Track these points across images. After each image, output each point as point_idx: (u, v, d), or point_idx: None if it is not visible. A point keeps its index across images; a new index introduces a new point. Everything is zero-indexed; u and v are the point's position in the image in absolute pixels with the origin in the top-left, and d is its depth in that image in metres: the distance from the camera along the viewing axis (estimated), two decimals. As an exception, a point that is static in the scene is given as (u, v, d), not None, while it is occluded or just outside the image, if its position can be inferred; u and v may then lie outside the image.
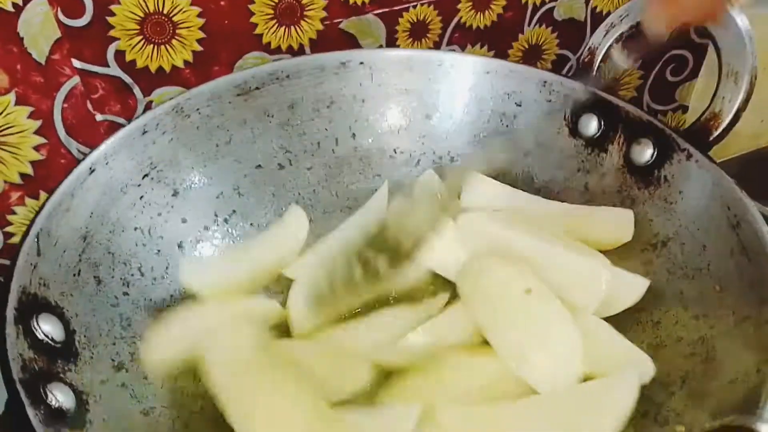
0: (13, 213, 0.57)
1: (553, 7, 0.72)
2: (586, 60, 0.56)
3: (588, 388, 0.40)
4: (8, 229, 0.58)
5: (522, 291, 0.44)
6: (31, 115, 0.54)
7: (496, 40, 0.72)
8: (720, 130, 0.48)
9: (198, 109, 0.53)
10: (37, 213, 0.42)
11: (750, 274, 0.41)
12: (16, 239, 0.58)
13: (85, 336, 0.41)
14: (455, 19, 0.69)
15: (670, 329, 0.45)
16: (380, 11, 0.64)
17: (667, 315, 0.45)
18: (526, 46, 0.75)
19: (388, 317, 0.48)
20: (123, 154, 0.49)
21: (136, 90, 0.59)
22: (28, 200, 0.57)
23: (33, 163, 0.56)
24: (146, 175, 0.50)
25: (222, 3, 0.57)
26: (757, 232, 0.41)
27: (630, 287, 0.46)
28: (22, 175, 0.56)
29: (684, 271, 0.46)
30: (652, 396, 0.41)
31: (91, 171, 0.46)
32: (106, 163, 0.47)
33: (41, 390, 0.34)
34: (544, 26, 0.74)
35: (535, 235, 0.48)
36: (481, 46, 0.71)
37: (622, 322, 0.46)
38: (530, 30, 0.73)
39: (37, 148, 0.56)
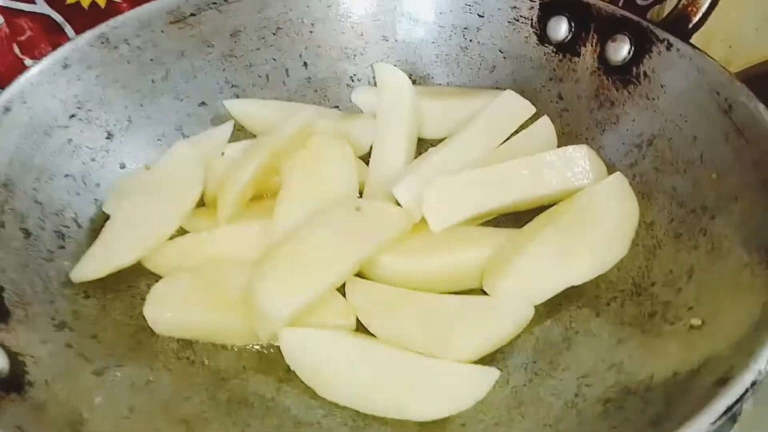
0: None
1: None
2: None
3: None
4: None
5: None
6: (-49, 63, 0.48)
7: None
8: (699, 15, 0.44)
9: (126, 40, 0.47)
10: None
11: (750, 155, 0.38)
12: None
13: (15, 293, 0.36)
14: None
15: (666, 227, 0.41)
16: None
17: (661, 214, 0.42)
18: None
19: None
20: (43, 92, 0.43)
21: (68, 29, 0.53)
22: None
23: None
24: (73, 116, 0.44)
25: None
26: (752, 112, 0.38)
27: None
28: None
29: (674, 167, 0.43)
30: (658, 296, 0.38)
31: (7, 110, 0.40)
32: (24, 102, 0.41)
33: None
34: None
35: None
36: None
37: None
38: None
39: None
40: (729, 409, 0.25)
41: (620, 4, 0.81)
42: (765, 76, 1.05)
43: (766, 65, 1.07)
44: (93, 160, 0.45)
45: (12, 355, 0.31)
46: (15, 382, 0.30)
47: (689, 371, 0.30)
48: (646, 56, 0.46)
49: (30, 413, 0.29)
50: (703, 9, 0.44)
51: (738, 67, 1.08)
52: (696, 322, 0.34)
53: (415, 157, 0.51)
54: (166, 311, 0.40)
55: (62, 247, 0.41)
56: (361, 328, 0.41)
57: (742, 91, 0.40)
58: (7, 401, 0.29)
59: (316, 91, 0.55)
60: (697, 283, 0.36)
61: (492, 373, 0.36)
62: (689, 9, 0.44)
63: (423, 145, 0.53)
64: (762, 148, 0.37)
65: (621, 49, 0.47)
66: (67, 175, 0.43)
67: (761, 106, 0.38)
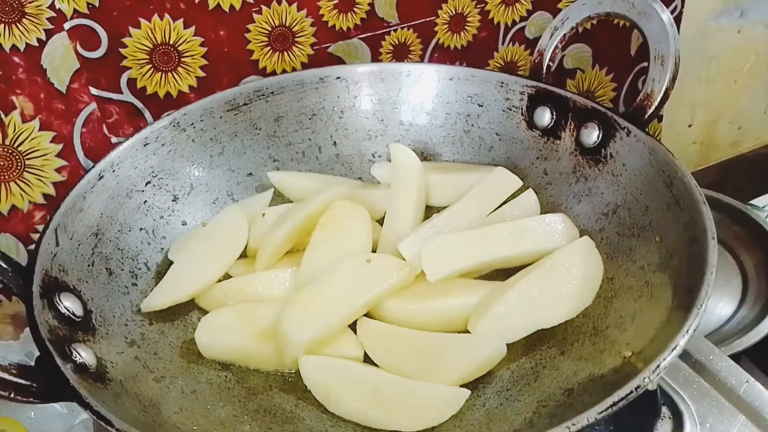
0: (36, 231, 0.63)
1: (524, 26, 0.80)
2: (536, 60, 0.63)
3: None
4: (32, 247, 0.64)
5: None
6: (53, 140, 0.61)
7: (473, 59, 0.79)
8: (653, 108, 0.54)
9: (192, 124, 0.60)
10: (55, 211, 0.48)
11: (683, 220, 0.46)
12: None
13: (100, 316, 0.47)
14: (434, 41, 0.77)
15: (622, 281, 0.50)
16: (365, 35, 0.72)
17: (620, 270, 0.51)
18: (502, 63, 0.82)
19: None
20: (127, 163, 0.55)
21: (147, 114, 0.66)
22: (50, 220, 0.63)
23: (55, 184, 0.63)
24: (148, 183, 0.56)
25: (221, 33, 0.65)
26: (686, 185, 0.47)
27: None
28: (45, 196, 0.63)
29: (632, 232, 0.52)
30: (608, 336, 0.46)
31: (100, 177, 0.52)
32: (113, 171, 0.54)
33: (66, 349, 0.39)
34: (517, 44, 0.81)
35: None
36: (460, 65, 0.79)
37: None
38: (504, 48, 0.81)
39: (58, 170, 0.63)
40: (616, 403, 0.33)
41: (624, 91, 0.92)
42: (773, 156, 1.12)
43: (774, 146, 1.15)
44: (161, 217, 0.57)
45: (98, 359, 0.42)
46: (100, 377, 0.41)
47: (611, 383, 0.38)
48: (612, 140, 0.55)
49: (111, 399, 0.39)
50: (656, 103, 0.54)
51: (746, 148, 1.16)
52: (628, 353, 0.42)
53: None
54: (212, 338, 0.50)
55: (135, 285, 0.52)
56: (368, 359, 0.50)
57: (680, 168, 0.49)
58: (95, 387, 0.39)
59: (343, 165, 0.67)
60: (637, 325, 0.44)
61: (463, 393, 0.45)
62: (645, 103, 0.54)
63: (431, 211, 0.63)
64: (691, 214, 0.46)
65: (592, 134, 0.57)
66: (141, 229, 0.55)
67: (693, 181, 0.47)
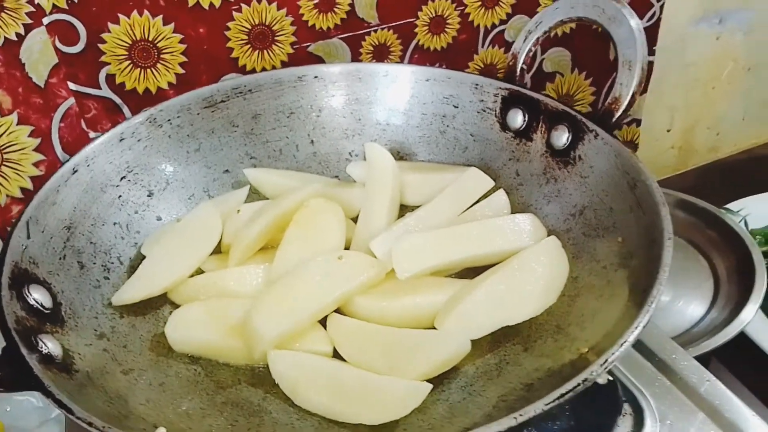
0: (14, 225, 0.64)
1: (504, 30, 0.81)
2: (510, 63, 0.64)
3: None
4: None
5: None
6: (31, 134, 0.62)
7: (453, 61, 0.80)
8: (620, 111, 0.55)
9: (169, 120, 0.60)
10: (27, 204, 0.48)
11: (644, 221, 0.47)
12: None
13: (70, 308, 0.47)
14: (414, 42, 0.78)
15: (585, 280, 0.51)
16: (345, 35, 0.73)
17: (584, 269, 0.52)
18: (482, 66, 0.83)
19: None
20: (102, 158, 0.55)
21: (126, 110, 0.66)
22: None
23: (32, 178, 0.64)
24: (123, 177, 0.57)
25: (201, 30, 0.65)
26: (649, 188, 0.48)
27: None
28: (23, 190, 0.63)
29: (597, 232, 0.53)
30: (570, 333, 0.47)
31: (74, 171, 0.53)
32: (88, 165, 0.54)
33: (33, 339, 0.40)
34: (496, 47, 0.82)
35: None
36: (440, 66, 0.80)
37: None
38: (484, 51, 0.82)
39: (36, 164, 0.63)
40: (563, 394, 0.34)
41: (603, 95, 0.94)
42: (751, 161, 1.14)
43: (752, 152, 1.17)
44: (136, 212, 0.57)
45: (65, 350, 0.43)
46: (66, 368, 0.41)
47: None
48: (581, 142, 0.57)
49: (75, 389, 0.40)
50: (623, 107, 0.55)
51: (724, 153, 1.18)
52: (584, 349, 0.43)
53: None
54: (182, 332, 0.51)
55: (107, 278, 0.53)
56: (337, 354, 0.51)
57: (643, 171, 0.50)
58: (60, 377, 0.40)
59: (320, 163, 0.67)
60: (596, 322, 0.46)
61: (425, 387, 0.45)
62: (612, 106, 0.55)
63: (406, 210, 0.63)
64: (651, 217, 0.47)
65: (562, 136, 0.58)
66: (115, 223, 0.55)
67: (655, 184, 0.48)
